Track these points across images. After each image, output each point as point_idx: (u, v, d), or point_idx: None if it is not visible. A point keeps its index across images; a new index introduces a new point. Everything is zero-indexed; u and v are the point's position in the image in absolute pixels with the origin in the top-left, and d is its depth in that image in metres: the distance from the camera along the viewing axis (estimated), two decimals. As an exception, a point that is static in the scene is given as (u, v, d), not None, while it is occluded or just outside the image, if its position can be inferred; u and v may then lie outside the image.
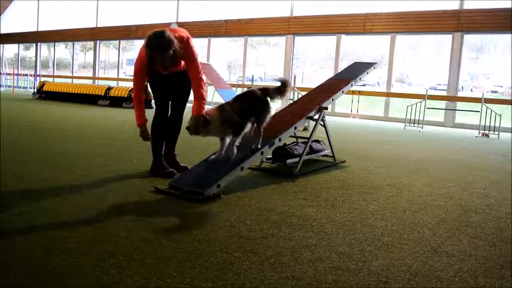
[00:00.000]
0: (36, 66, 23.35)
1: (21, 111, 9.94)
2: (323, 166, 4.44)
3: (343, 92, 4.62)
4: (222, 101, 5.52)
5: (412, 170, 4.62)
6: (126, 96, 13.12)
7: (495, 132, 9.73)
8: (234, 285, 1.73)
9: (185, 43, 3.34)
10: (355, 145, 6.55)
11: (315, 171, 4.17)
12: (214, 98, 15.06)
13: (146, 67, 3.43)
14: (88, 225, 2.39)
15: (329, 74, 12.79)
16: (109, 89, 13.83)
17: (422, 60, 15.48)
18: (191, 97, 3.62)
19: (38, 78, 20.96)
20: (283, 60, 15.22)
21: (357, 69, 5.07)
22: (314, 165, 4.40)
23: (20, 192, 2.99)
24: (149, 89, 3.80)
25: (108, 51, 21.63)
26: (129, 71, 19.73)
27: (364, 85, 14.73)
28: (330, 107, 5.77)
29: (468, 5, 11.91)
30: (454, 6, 12.05)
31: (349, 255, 2.10)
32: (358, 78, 4.83)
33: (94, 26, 20.42)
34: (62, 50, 23.38)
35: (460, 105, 12.16)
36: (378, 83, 16.29)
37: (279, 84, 3.53)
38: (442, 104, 12.20)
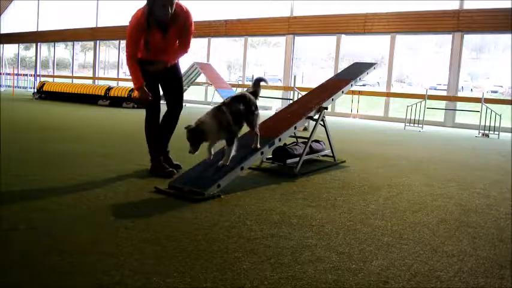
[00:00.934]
0: (36, 66, 23.37)
1: (21, 111, 9.94)
2: (323, 166, 4.43)
3: (343, 92, 4.62)
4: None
5: (412, 170, 4.62)
6: (126, 96, 13.12)
7: (495, 132, 9.74)
8: (234, 285, 1.73)
9: (186, 13, 3.57)
10: (355, 145, 6.55)
11: (315, 171, 4.17)
12: (214, 98, 15.07)
13: (144, 23, 3.41)
14: (88, 225, 2.39)
15: (329, 74, 12.80)
16: (109, 89, 13.82)
17: (422, 60, 15.48)
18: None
19: (38, 78, 20.96)
20: (283, 60, 15.22)
21: (357, 70, 5.07)
22: (314, 165, 4.40)
23: (20, 192, 2.99)
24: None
25: (108, 51, 21.64)
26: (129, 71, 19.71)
27: (364, 85, 14.75)
28: (330, 107, 5.77)
29: (468, 5, 11.92)
30: (454, 6, 12.06)
31: (349, 255, 2.10)
32: (358, 79, 4.84)
33: (94, 26, 20.43)
34: (61, 50, 23.39)
35: (460, 105, 12.17)
36: (378, 83, 16.30)
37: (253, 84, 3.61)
38: (442, 104, 12.21)
